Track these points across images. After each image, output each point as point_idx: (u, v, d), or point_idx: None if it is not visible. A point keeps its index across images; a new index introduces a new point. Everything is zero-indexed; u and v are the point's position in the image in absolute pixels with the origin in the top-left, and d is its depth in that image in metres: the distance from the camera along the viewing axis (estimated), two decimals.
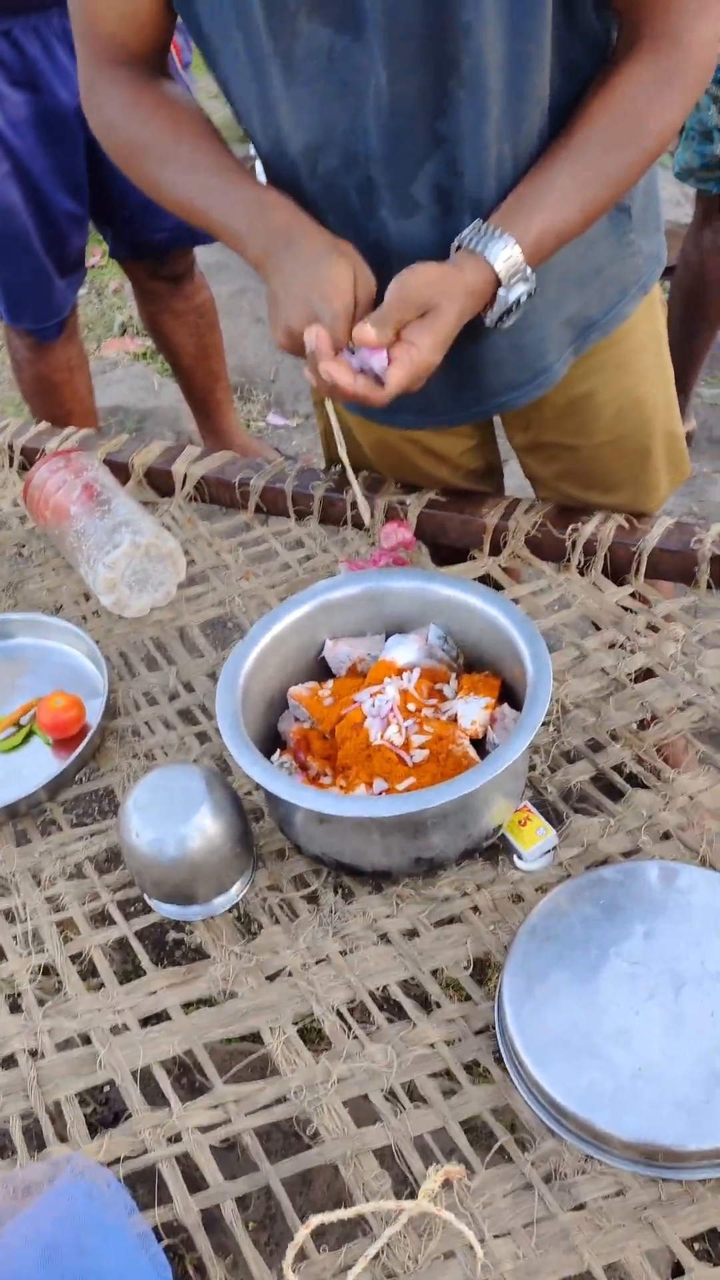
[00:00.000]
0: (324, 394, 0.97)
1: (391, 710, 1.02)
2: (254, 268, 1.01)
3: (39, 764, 1.18)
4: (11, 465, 1.59)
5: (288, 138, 0.99)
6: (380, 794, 0.97)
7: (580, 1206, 0.79)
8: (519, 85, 0.94)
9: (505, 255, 0.94)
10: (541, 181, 0.95)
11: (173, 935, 1.03)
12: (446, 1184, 0.81)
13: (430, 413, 1.19)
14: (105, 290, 3.48)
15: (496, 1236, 0.79)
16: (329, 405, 1.13)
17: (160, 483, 1.50)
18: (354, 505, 1.37)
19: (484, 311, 0.98)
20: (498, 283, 0.95)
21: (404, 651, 1.09)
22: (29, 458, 1.58)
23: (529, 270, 0.96)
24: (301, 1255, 0.79)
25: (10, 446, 1.58)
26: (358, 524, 1.38)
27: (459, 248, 0.96)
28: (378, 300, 0.96)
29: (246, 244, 0.99)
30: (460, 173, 0.97)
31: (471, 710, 1.03)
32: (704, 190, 2.21)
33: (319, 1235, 0.80)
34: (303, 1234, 0.79)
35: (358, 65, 0.92)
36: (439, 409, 1.07)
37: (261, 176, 1.08)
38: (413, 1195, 0.81)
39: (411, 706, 1.03)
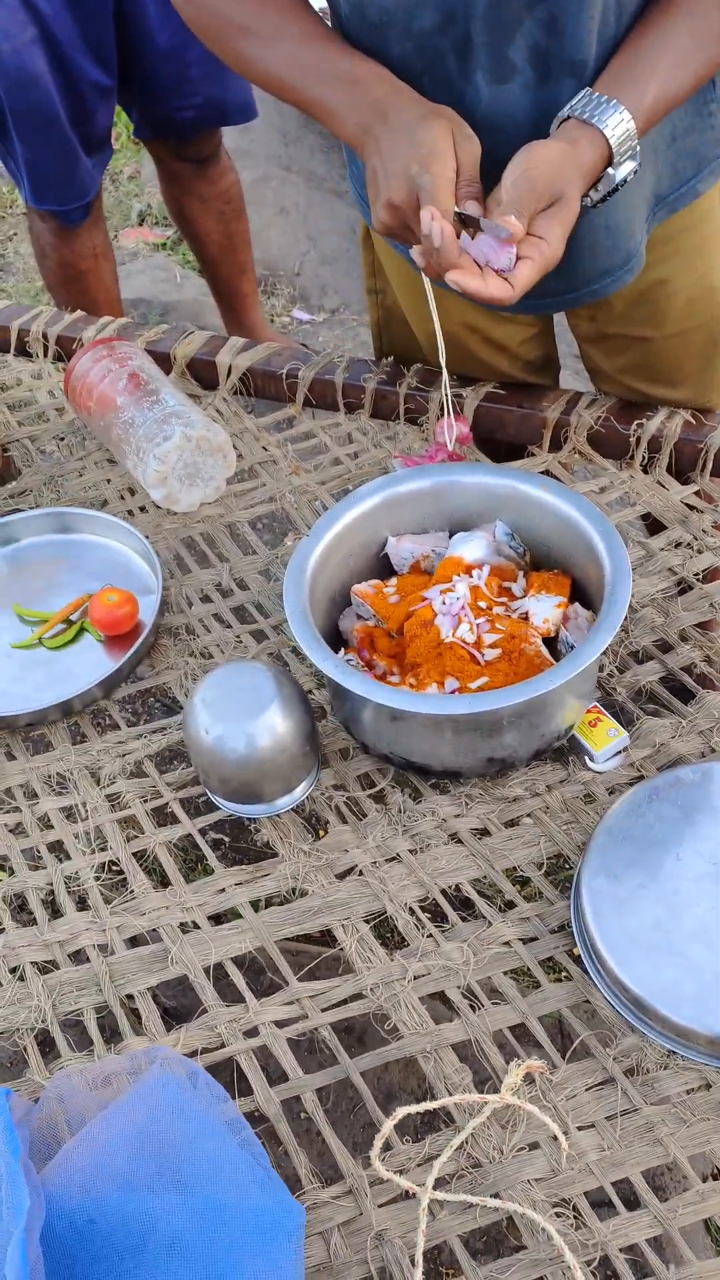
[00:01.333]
0: (431, 275, 0.91)
1: (463, 608, 0.99)
2: (351, 145, 0.95)
3: (91, 661, 1.16)
4: (46, 355, 1.53)
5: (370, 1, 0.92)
6: (453, 692, 0.95)
7: (664, 1100, 0.80)
8: None
9: (619, 127, 0.88)
10: (651, 44, 0.89)
11: (239, 834, 1.02)
12: (528, 1078, 0.81)
13: (526, 297, 1.14)
14: (121, 177, 3.35)
15: (580, 1129, 0.79)
16: (430, 297, 1.06)
17: (204, 374, 1.44)
18: (409, 400, 1.32)
19: (586, 191, 0.93)
20: (609, 159, 0.89)
21: (472, 548, 1.06)
22: (64, 348, 1.52)
23: (638, 145, 0.90)
24: (386, 1146, 0.80)
25: (45, 335, 1.53)
26: (410, 419, 1.34)
27: (567, 118, 0.91)
28: (491, 171, 0.91)
29: (341, 120, 0.93)
30: (561, 32, 0.90)
31: (544, 609, 1.01)
32: None
33: (400, 1129, 0.81)
34: (390, 1123, 0.79)
35: None
36: (534, 293, 1.01)
37: None
38: (494, 1090, 0.81)
39: (482, 604, 1.01)
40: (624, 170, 0.91)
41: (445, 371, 1.12)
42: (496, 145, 0.92)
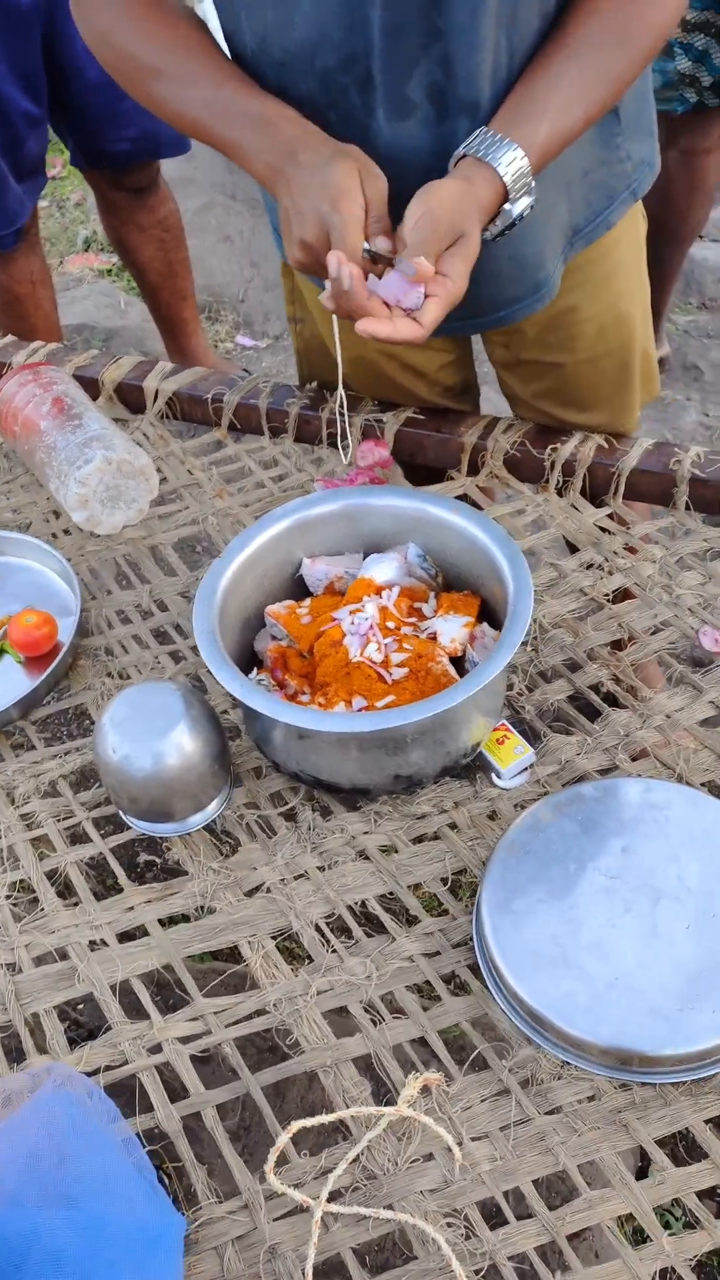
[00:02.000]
0: (342, 316, 0.93)
1: (371, 628, 1.01)
2: (262, 184, 0.97)
3: (9, 682, 1.16)
4: None
5: (279, 36, 0.95)
6: (360, 711, 0.97)
7: (556, 1110, 0.81)
8: None
9: (514, 164, 0.91)
10: (543, 83, 0.92)
11: (149, 853, 1.03)
12: (425, 1090, 0.83)
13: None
14: (67, 204, 3.37)
15: (474, 1139, 0.80)
16: (334, 330, 1.09)
17: (131, 399, 1.46)
18: (330, 424, 1.35)
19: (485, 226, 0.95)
20: (505, 196, 0.92)
21: (383, 569, 1.08)
22: None
23: (533, 181, 0.93)
24: (282, 1160, 0.80)
25: None
26: (333, 443, 1.36)
27: (463, 157, 0.93)
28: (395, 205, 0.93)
29: (253, 160, 0.95)
30: (455, 72, 0.93)
31: (451, 628, 1.02)
32: (668, 110, 2.16)
33: (298, 1142, 0.82)
34: (285, 1137, 0.80)
35: None
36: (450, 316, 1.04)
37: None
38: (391, 1102, 0.82)
39: (391, 624, 1.02)
40: (520, 205, 0.94)
41: (343, 400, 1.15)
42: (399, 179, 0.95)
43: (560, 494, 1.27)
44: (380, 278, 0.93)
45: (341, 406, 1.17)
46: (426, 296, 0.92)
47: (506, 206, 0.93)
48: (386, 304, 0.93)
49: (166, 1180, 0.77)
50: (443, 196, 0.90)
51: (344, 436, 1.23)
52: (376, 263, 0.93)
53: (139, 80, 1.02)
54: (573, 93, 0.92)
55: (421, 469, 1.35)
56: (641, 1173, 0.80)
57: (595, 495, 1.27)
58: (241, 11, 0.96)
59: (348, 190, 0.90)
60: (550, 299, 1.16)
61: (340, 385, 1.13)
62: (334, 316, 1.07)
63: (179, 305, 2.43)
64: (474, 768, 1.02)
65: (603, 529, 1.23)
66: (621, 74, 0.94)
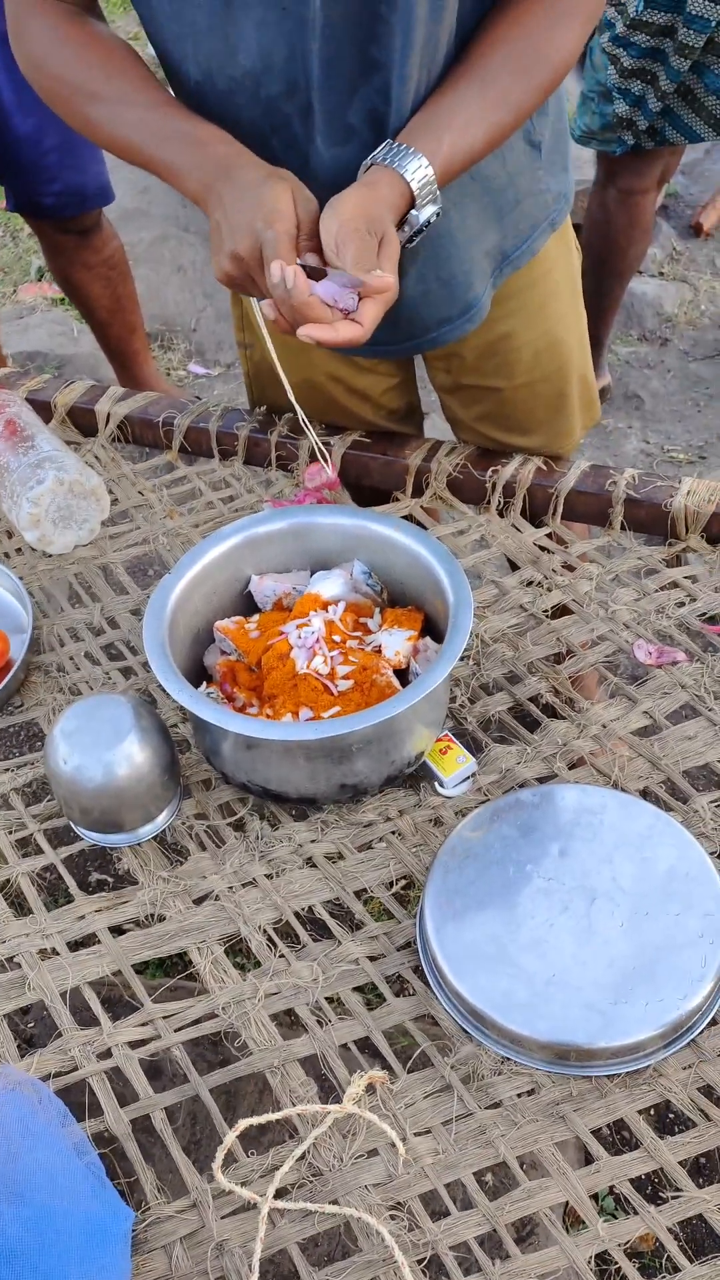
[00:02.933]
0: (283, 328, 0.96)
1: (317, 641, 1.04)
2: (194, 201, 0.99)
3: None
4: None
5: (223, 66, 0.99)
6: (307, 721, 0.99)
7: (497, 1104, 0.83)
8: (438, 12, 0.95)
9: (418, 172, 0.95)
10: (448, 102, 0.97)
11: (100, 863, 1.04)
12: (370, 1088, 0.85)
13: (370, 342, 1.20)
14: (20, 234, 3.39)
15: (417, 1134, 0.82)
16: (269, 343, 1.13)
17: (83, 422, 1.48)
18: (279, 447, 1.38)
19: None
20: (412, 201, 0.96)
21: (329, 585, 1.11)
22: None
23: (438, 190, 0.97)
24: (230, 1159, 0.82)
25: None
26: (282, 465, 1.39)
27: (370, 165, 0.97)
28: None
29: (185, 178, 0.98)
30: (391, 100, 0.98)
31: (395, 641, 1.06)
32: (607, 151, 2.24)
33: (248, 1143, 0.83)
34: (231, 1136, 0.81)
35: None
36: (377, 338, 1.07)
37: None
38: (338, 1101, 0.84)
39: (336, 638, 1.05)
40: (426, 212, 0.98)
41: (306, 423, 1.18)
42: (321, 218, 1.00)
43: (501, 514, 1.31)
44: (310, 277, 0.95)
45: (304, 420, 1.20)
46: (363, 297, 0.94)
47: (413, 213, 0.97)
48: (327, 304, 0.95)
49: (117, 1182, 0.79)
50: (354, 204, 0.94)
51: (322, 456, 1.25)
52: (308, 276, 0.96)
53: (74, 104, 1.04)
54: (473, 114, 0.97)
55: (368, 491, 1.39)
56: (587, 1160, 0.83)
57: (535, 515, 1.31)
58: (188, 43, 0.99)
59: (281, 210, 0.93)
60: (480, 321, 1.21)
61: (294, 403, 1.16)
62: (273, 339, 1.10)
63: (128, 338, 2.46)
64: (418, 777, 1.05)
65: (542, 548, 1.28)
66: (521, 101, 0.99)
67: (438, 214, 0.99)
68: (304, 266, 0.95)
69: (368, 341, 1.18)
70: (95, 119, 1.02)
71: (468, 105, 0.97)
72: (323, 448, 1.26)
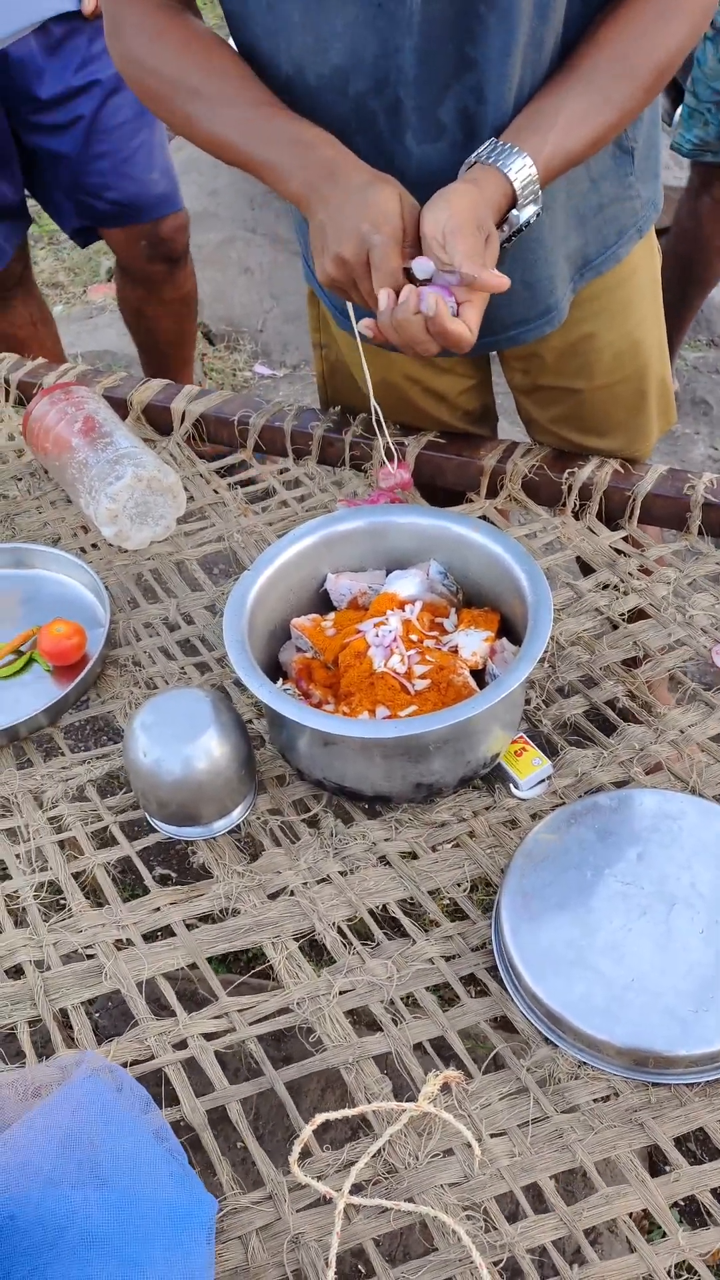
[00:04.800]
0: (377, 341, 0.96)
1: (394, 640, 1.04)
2: (295, 202, 1.00)
3: (39, 690, 1.19)
4: (8, 400, 1.59)
5: (313, 62, 0.99)
6: (384, 719, 0.99)
7: (573, 1109, 0.83)
8: (544, 11, 0.95)
9: (522, 171, 0.95)
10: (552, 103, 0.97)
11: (174, 857, 1.05)
12: (445, 1088, 0.85)
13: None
14: None
15: (493, 1135, 0.82)
16: (360, 351, 1.13)
17: (158, 420, 1.50)
18: (353, 446, 1.38)
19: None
20: (513, 200, 0.96)
21: (406, 585, 1.11)
22: (25, 393, 1.57)
23: (539, 190, 0.97)
24: (306, 1153, 0.82)
25: (6, 381, 1.58)
26: (355, 465, 1.40)
27: (473, 164, 0.97)
28: None
29: (288, 179, 0.98)
30: (486, 98, 0.98)
31: (472, 642, 1.05)
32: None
33: (321, 1138, 0.84)
34: (308, 1130, 0.82)
35: None
36: None
37: None
38: (413, 1099, 0.84)
39: (414, 637, 1.05)
40: (527, 213, 0.97)
41: (382, 427, 1.17)
42: (424, 200, 1.00)
43: (577, 517, 1.30)
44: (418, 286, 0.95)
45: (379, 419, 1.20)
46: (460, 303, 0.94)
47: (514, 212, 0.97)
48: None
49: (198, 1172, 0.79)
50: (463, 202, 0.94)
51: (387, 453, 1.25)
52: (411, 282, 0.96)
53: (174, 100, 1.04)
54: (576, 114, 0.96)
55: (441, 491, 1.39)
56: (655, 1170, 0.82)
57: (611, 519, 1.30)
58: (280, 38, 1.00)
59: (389, 213, 0.93)
60: (558, 323, 1.20)
61: (372, 402, 1.15)
62: (359, 343, 1.10)
63: (182, 370, 2.40)
64: (493, 778, 1.05)
65: (618, 551, 1.27)
66: (624, 101, 0.98)
67: (538, 214, 0.98)
68: (407, 273, 0.95)
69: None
70: (195, 116, 1.02)
71: (571, 105, 0.96)
72: (393, 446, 1.25)
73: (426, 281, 0.95)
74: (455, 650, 1.06)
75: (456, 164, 1.00)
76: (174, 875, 1.00)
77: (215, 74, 1.02)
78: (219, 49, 1.04)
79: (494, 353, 1.33)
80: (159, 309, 2.27)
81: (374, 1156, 0.81)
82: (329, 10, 0.95)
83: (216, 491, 1.42)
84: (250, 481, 1.44)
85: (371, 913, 0.97)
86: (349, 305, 1.02)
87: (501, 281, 0.92)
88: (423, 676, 1.03)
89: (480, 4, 0.92)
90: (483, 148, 0.97)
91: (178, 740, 0.97)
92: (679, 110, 2.21)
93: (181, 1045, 0.90)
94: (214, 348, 3.01)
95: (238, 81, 1.02)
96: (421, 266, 0.95)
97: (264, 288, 3.08)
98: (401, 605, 1.09)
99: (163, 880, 1.04)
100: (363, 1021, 0.91)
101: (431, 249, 0.93)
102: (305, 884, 0.99)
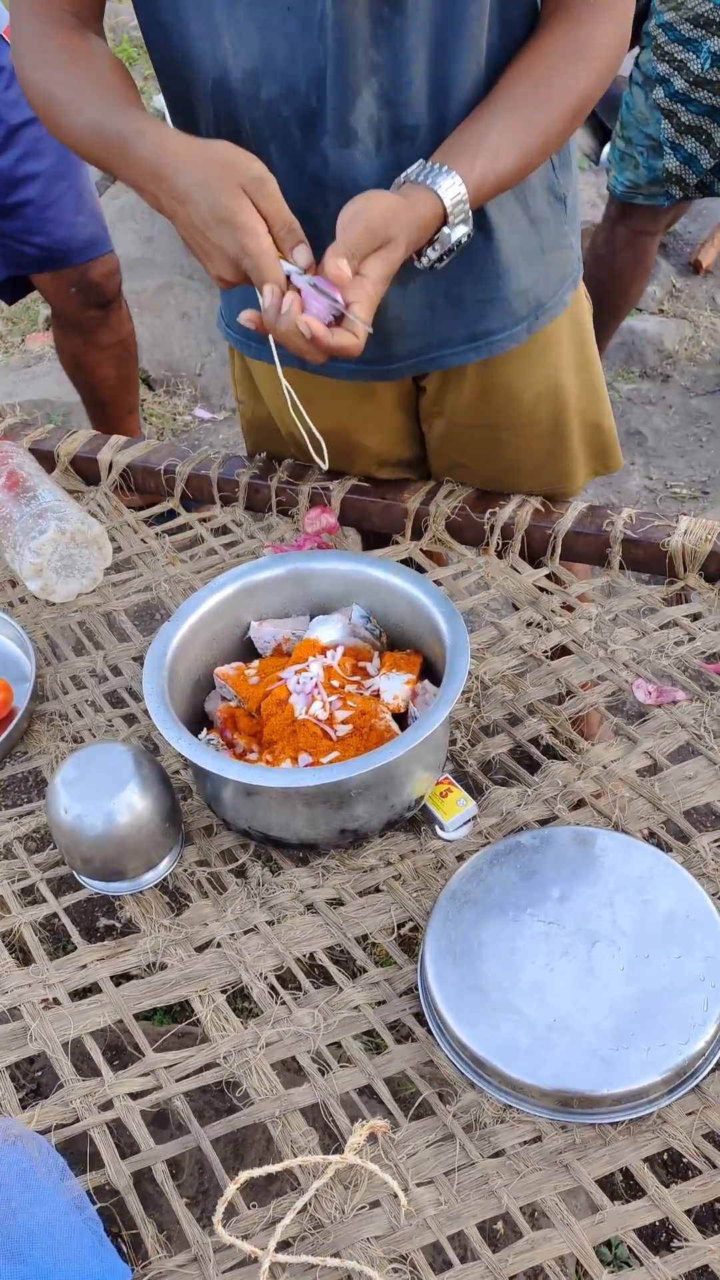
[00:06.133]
0: (294, 351, 0.96)
1: (315, 686, 1.04)
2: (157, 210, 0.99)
3: None
4: None
5: (232, 67, 1.01)
6: (306, 767, 1.00)
7: (499, 1153, 0.83)
8: (450, 21, 0.97)
9: (451, 190, 0.97)
10: (478, 127, 0.99)
11: (102, 912, 1.04)
12: (372, 1138, 0.84)
13: (366, 360, 1.21)
14: None
15: (419, 1185, 0.82)
16: (283, 384, 1.12)
17: (86, 470, 1.50)
18: (279, 492, 1.39)
19: (420, 252, 1.00)
20: (444, 219, 0.98)
21: (328, 630, 1.11)
22: None
23: (469, 211, 0.99)
24: (231, 1211, 0.81)
25: None
26: (282, 510, 1.40)
27: (404, 183, 0.99)
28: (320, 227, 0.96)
29: (147, 199, 0.98)
30: (393, 103, 1.00)
31: (394, 685, 1.06)
32: (654, 205, 2.25)
33: (255, 1193, 0.83)
34: (231, 1189, 0.81)
35: None
36: (376, 357, 1.08)
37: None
38: (339, 1151, 0.84)
39: (335, 683, 1.06)
40: (458, 232, 0.99)
41: (324, 461, 1.15)
42: (338, 206, 1.00)
43: (500, 556, 1.32)
44: (300, 293, 0.94)
45: (306, 423, 1.17)
46: (348, 304, 0.94)
47: (445, 230, 0.99)
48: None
49: (118, 1235, 0.78)
50: (379, 203, 0.95)
51: (316, 449, 1.23)
52: (293, 286, 0.94)
53: (53, 112, 1.04)
54: (503, 139, 0.99)
55: (370, 534, 1.40)
56: (615, 1195, 0.82)
57: (534, 557, 1.32)
58: (206, 42, 1.01)
59: (245, 225, 0.89)
60: (487, 354, 1.22)
61: (317, 437, 1.13)
62: (290, 394, 1.09)
63: (125, 418, 2.40)
64: (418, 821, 1.05)
65: (541, 589, 1.28)
66: (548, 126, 1.01)
67: (469, 235, 1.00)
68: (286, 276, 0.94)
69: (367, 361, 1.18)
70: (70, 126, 1.02)
71: (498, 128, 0.99)
72: (318, 436, 1.20)
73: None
74: (377, 694, 1.06)
75: (373, 170, 1.02)
76: (114, 927, 0.99)
77: (82, 83, 1.01)
78: (97, 59, 1.03)
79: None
80: (97, 355, 2.27)
81: (300, 1212, 0.81)
82: (241, 15, 0.97)
83: (144, 541, 1.42)
84: (178, 530, 1.44)
85: (299, 961, 0.97)
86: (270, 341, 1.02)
87: (341, 277, 0.90)
88: (345, 722, 1.03)
89: (385, 7, 0.95)
90: (412, 168, 0.99)
91: (99, 795, 0.97)
92: (605, 150, 2.28)
93: (107, 1106, 0.89)
94: (154, 393, 3.02)
95: (98, 88, 1.00)
96: (301, 257, 0.93)
97: (202, 332, 3.10)
98: (323, 651, 1.09)
99: (97, 934, 1.04)
100: (292, 1071, 0.91)
101: (338, 230, 0.93)
102: (232, 935, 0.98)
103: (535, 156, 1.03)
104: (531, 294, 1.21)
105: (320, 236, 0.96)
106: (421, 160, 1.00)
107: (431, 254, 1.01)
